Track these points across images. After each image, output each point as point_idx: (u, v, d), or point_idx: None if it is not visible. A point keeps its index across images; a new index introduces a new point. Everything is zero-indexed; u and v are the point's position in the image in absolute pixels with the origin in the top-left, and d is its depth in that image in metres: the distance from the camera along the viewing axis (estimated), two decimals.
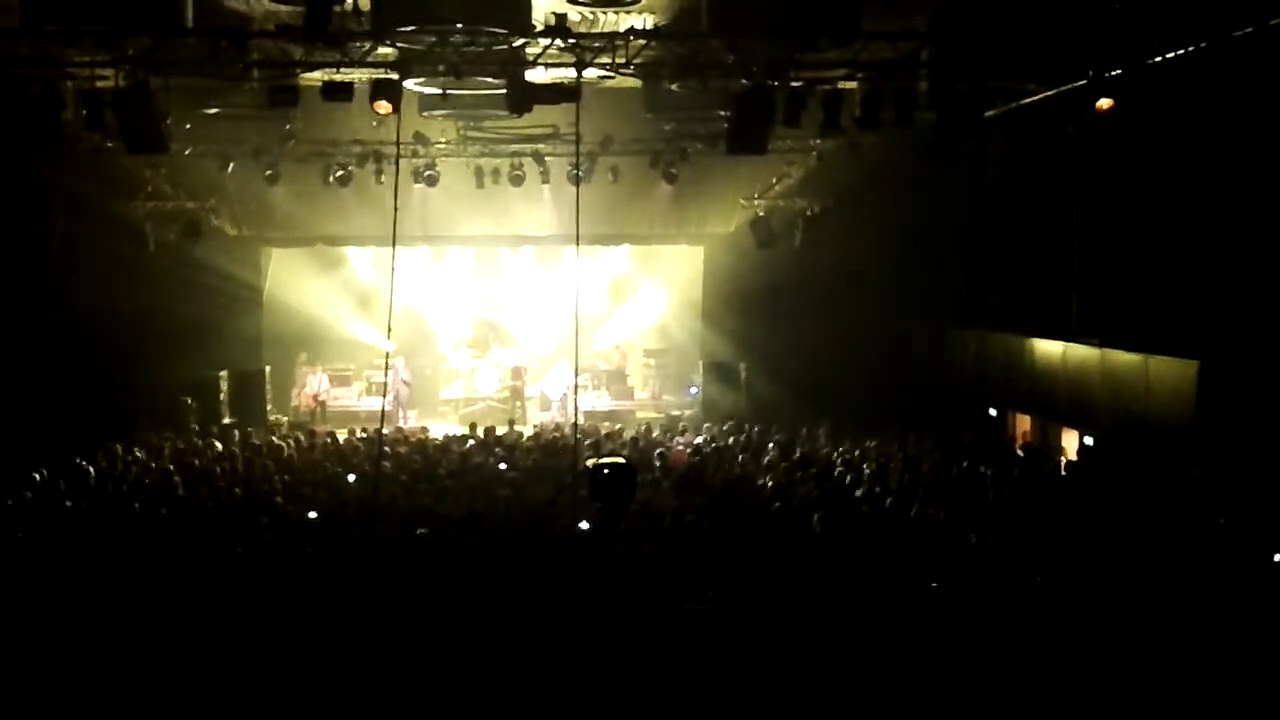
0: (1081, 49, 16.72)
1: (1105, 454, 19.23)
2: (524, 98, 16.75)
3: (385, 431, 20.42)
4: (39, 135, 17.45)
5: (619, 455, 6.11)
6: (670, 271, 29.68)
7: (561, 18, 16.40)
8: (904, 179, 23.34)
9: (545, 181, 24.37)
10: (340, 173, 23.93)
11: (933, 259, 24.47)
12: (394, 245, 18.04)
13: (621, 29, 16.83)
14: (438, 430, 24.07)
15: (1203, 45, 15.65)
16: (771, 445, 20.85)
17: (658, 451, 19.76)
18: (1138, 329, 18.86)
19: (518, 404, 27.75)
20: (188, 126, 20.62)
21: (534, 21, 15.76)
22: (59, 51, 16.13)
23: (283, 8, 16.21)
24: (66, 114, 17.19)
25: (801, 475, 18.19)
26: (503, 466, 18.95)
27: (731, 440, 21.62)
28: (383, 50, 16.26)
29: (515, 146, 23.80)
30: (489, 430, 21.91)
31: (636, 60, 16.91)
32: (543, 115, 19.46)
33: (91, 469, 18.08)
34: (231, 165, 23.36)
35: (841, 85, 17.93)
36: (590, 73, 17.28)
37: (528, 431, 23.15)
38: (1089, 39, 16.43)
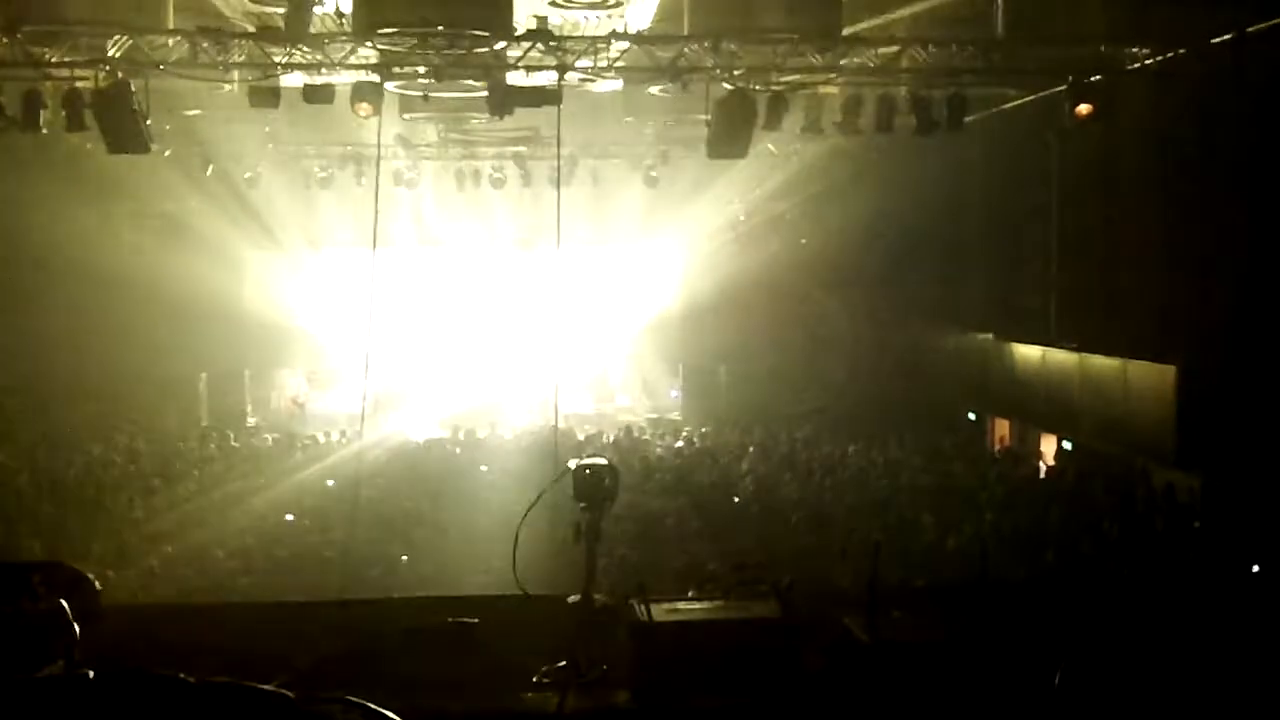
0: (1060, 55, 16.81)
1: (1084, 458, 19.31)
2: (505, 101, 16.73)
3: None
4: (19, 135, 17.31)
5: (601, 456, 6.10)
6: (650, 274, 29.68)
7: (543, 21, 16.40)
8: (885, 184, 23.39)
9: (526, 184, 24.36)
10: (321, 175, 23.89)
11: (913, 263, 24.52)
12: (374, 248, 18.01)
13: (602, 33, 16.84)
14: None
15: (1181, 51, 15.73)
16: (752, 448, 20.88)
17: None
18: (1116, 334, 18.95)
19: None
20: (168, 128, 20.54)
21: (515, 25, 15.76)
22: (39, 52, 16.03)
23: (264, 9, 16.17)
24: (47, 115, 17.10)
25: (782, 478, 18.24)
26: (483, 468, 18.96)
27: (711, 443, 21.64)
28: (364, 52, 16.23)
29: (496, 149, 23.80)
30: (469, 434, 21.91)
31: (618, 64, 16.91)
32: (524, 118, 19.44)
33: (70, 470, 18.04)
34: (211, 167, 23.27)
35: (822, 90, 17.96)
36: (571, 76, 17.27)
37: (508, 435, 23.12)
38: (1067, 45, 16.53)
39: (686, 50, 16.37)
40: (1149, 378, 17.38)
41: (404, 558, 14.28)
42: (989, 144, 22.91)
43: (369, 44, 15.77)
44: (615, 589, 6.82)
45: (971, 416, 23.93)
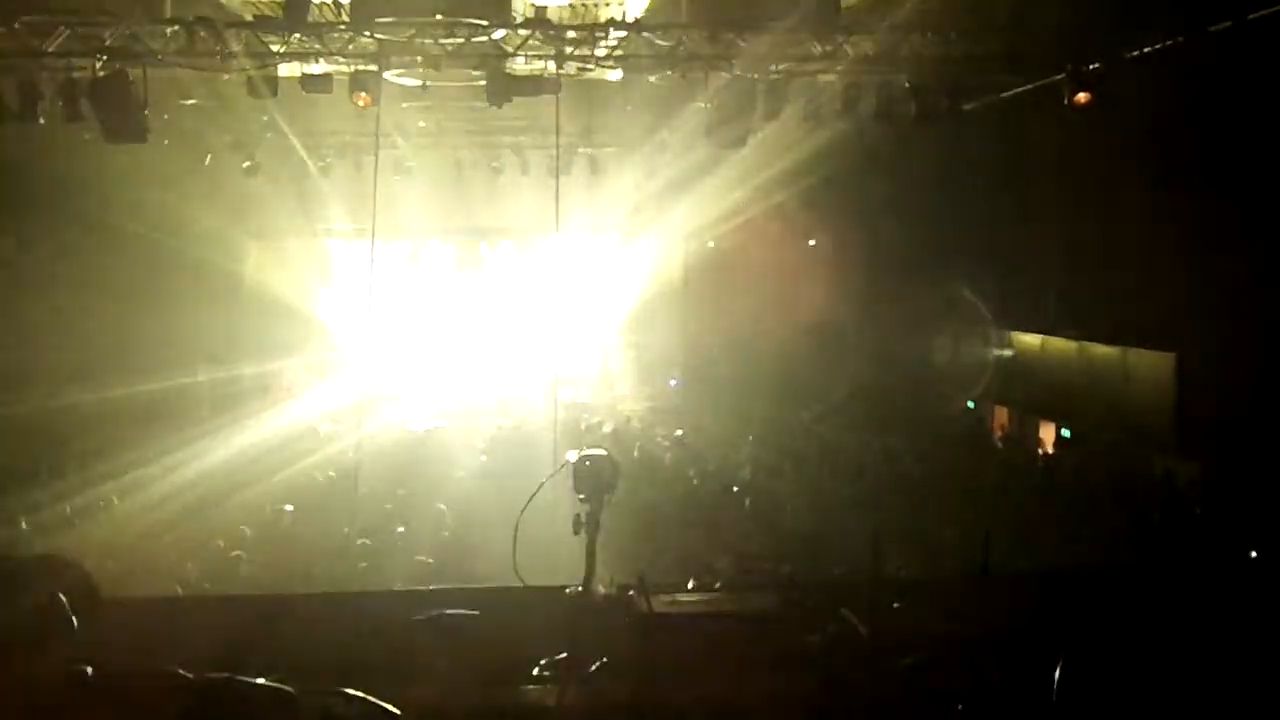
0: (1059, 42, 16.77)
1: (1084, 446, 19.31)
2: (503, 89, 16.69)
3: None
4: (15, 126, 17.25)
5: (600, 447, 6.09)
6: (650, 263, 29.62)
7: (541, 10, 16.37)
8: (884, 172, 23.34)
9: (524, 173, 24.32)
10: (320, 164, 23.86)
11: (912, 251, 24.47)
12: (373, 237, 17.99)
13: (601, 21, 16.80)
14: None
15: (1180, 39, 15.69)
16: (751, 438, 20.87)
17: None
18: (1116, 321, 18.92)
19: None
20: (166, 117, 20.47)
21: (514, 13, 15.73)
22: (36, 41, 15.98)
23: None
24: (44, 105, 17.04)
25: (781, 468, 18.23)
26: (483, 459, 18.95)
27: (710, 433, 21.62)
28: (362, 41, 16.19)
29: (494, 138, 23.75)
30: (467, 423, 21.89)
31: (617, 53, 16.87)
32: (522, 107, 19.40)
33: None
34: (210, 156, 23.21)
35: (821, 78, 17.91)
36: (570, 65, 17.23)
37: (508, 425, 23.11)
38: (1067, 32, 16.49)
39: (685, 39, 16.34)
40: (1149, 365, 17.38)
41: (400, 529, 14.34)
42: (988, 131, 22.84)
43: (367, 33, 15.74)
44: (615, 580, 6.82)
45: (970, 405, 23.91)
